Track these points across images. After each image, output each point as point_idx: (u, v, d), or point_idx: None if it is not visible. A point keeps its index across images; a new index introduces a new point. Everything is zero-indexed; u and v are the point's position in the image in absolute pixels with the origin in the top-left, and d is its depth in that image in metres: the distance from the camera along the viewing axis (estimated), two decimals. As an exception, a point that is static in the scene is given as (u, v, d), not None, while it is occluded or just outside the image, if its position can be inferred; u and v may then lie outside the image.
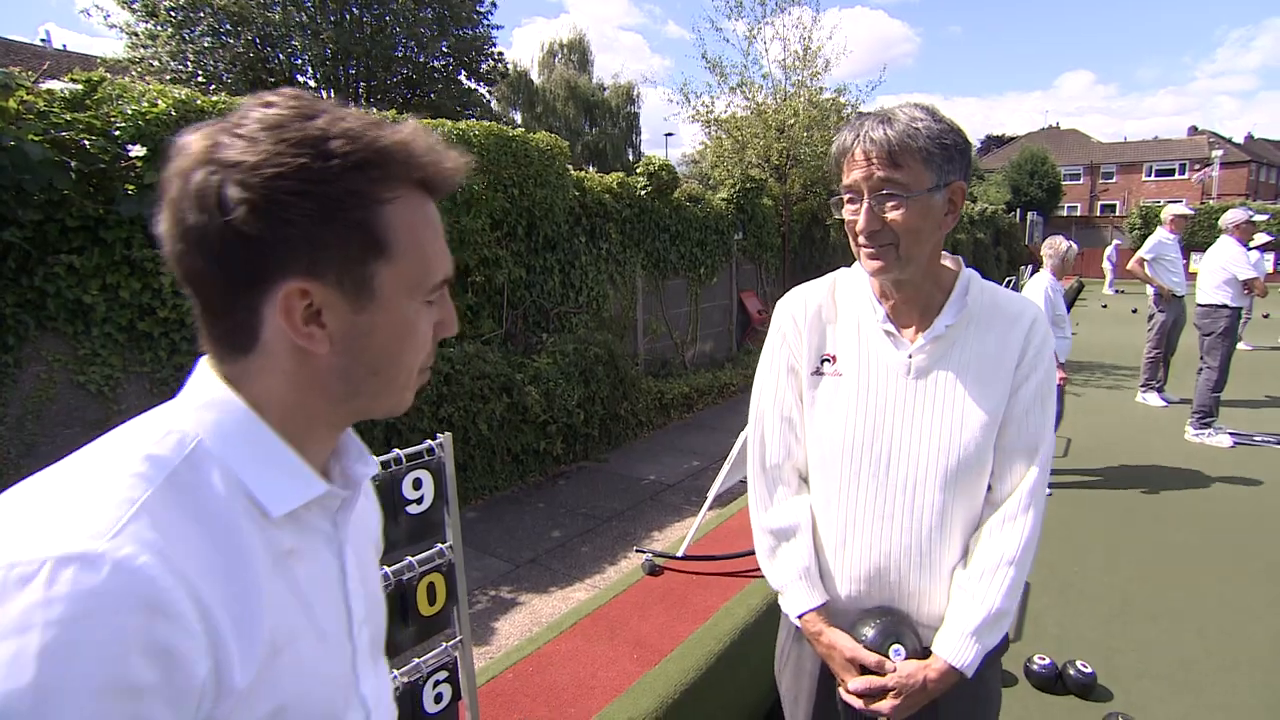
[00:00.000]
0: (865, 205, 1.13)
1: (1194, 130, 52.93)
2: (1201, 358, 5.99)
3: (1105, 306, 16.45)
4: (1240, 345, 10.02)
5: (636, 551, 3.84)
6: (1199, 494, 4.72)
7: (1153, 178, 48.45)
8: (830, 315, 1.30)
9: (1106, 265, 20.10)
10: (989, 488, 1.24)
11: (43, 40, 21.52)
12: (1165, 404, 6.96)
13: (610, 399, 5.81)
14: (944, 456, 1.18)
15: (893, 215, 1.12)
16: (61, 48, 20.92)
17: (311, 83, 17.70)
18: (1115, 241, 21.10)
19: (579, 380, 5.48)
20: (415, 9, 16.34)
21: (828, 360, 1.27)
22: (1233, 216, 6.01)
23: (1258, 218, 6.24)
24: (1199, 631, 3.14)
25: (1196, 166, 43.02)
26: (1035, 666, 2.81)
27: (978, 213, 21.46)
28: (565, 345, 5.54)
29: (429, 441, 1.99)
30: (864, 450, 1.22)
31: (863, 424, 1.22)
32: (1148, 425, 6.28)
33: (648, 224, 7.66)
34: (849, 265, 1.32)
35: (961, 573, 1.22)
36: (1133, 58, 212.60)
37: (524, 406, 5.10)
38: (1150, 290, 6.91)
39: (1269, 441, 5.83)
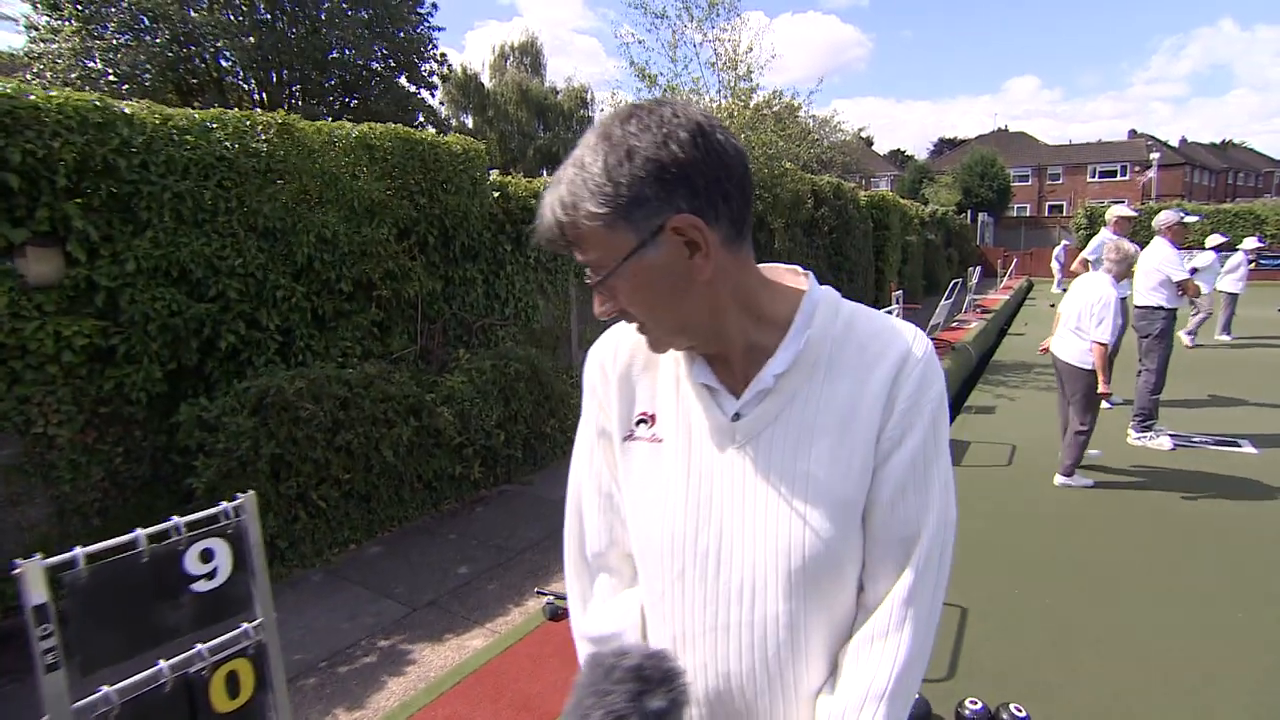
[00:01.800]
0: (594, 292, 0.87)
1: (1133, 134, 54.94)
2: (1140, 360, 5.94)
3: (1053, 306, 16.63)
4: (1184, 339, 10.14)
5: (537, 594, 3.50)
6: (1141, 503, 4.58)
7: (1096, 179, 49.98)
8: (648, 363, 0.99)
9: (1054, 265, 20.41)
10: (861, 586, 0.92)
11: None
12: (1109, 406, 6.89)
13: (534, 417, 5.46)
14: (786, 555, 0.87)
15: (606, 299, 0.86)
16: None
17: (244, 85, 16.99)
18: (1064, 241, 21.40)
19: (498, 399, 5.11)
20: (349, 10, 15.76)
21: (644, 421, 0.97)
22: (1165, 218, 5.97)
23: (1189, 219, 6.21)
24: (1138, 660, 2.95)
25: (1137, 168, 44.49)
26: (967, 712, 2.60)
27: (929, 214, 21.66)
28: (482, 362, 5.17)
29: (224, 504, 1.64)
30: (688, 543, 0.90)
31: (685, 507, 0.91)
32: (1090, 429, 6.17)
33: (581, 230, 7.32)
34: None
35: (826, 700, 0.91)
36: (1075, 64, 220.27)
37: (436, 429, 4.72)
38: (1092, 291, 6.87)
39: (1207, 443, 5.77)
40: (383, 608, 3.65)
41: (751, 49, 7.86)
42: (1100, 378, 4.59)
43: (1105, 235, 6.80)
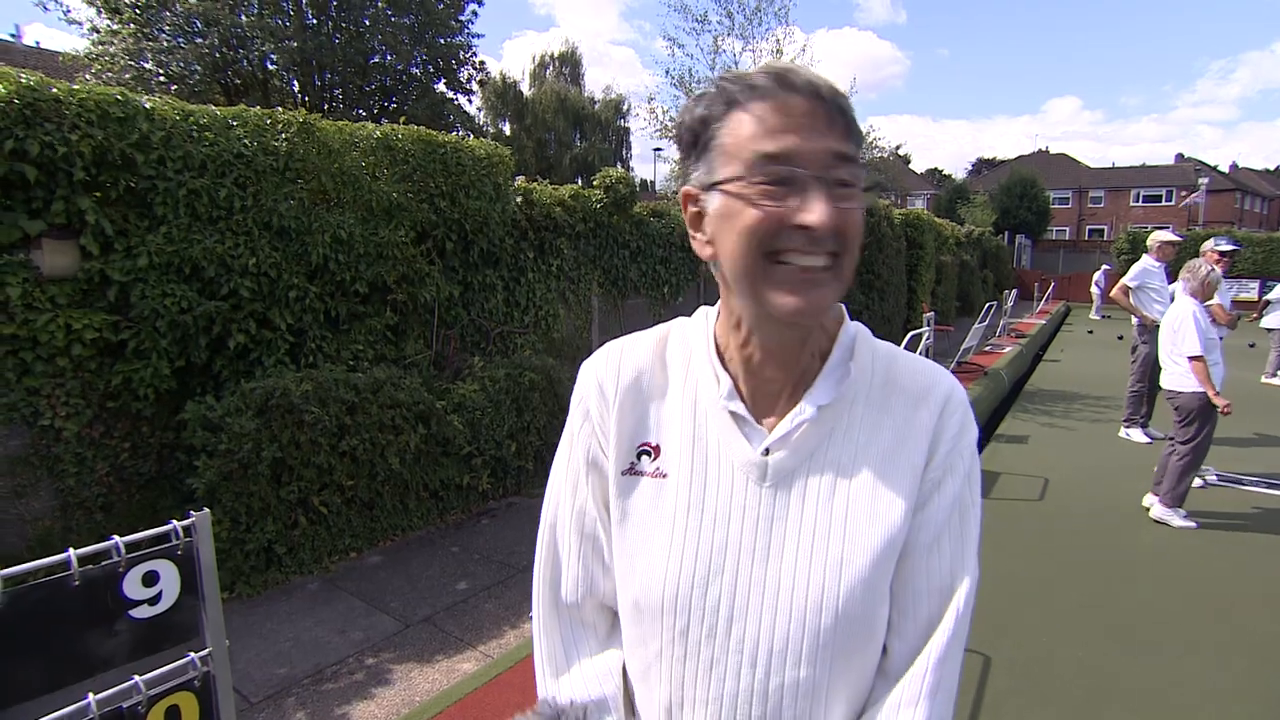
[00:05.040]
0: (823, 191, 0.68)
1: (1180, 157, 53.47)
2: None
3: (1091, 332, 16.14)
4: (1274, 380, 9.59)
5: (530, 618, 3.36)
6: (1184, 546, 4.28)
7: (1140, 203, 48.69)
8: (656, 385, 0.87)
9: (1094, 290, 19.79)
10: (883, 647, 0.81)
11: (11, 35, 21.13)
12: (1149, 440, 6.56)
13: (548, 428, 5.34)
14: (816, 612, 0.75)
15: (846, 210, 0.70)
16: (34, 44, 20.50)
17: (288, 88, 17.28)
18: (1104, 266, 20.78)
19: (511, 409, 5.00)
20: (394, 15, 15.98)
21: (646, 453, 0.85)
22: (1208, 246, 5.69)
23: (1224, 245, 5.89)
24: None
25: (1183, 193, 43.23)
26: (984, 776, 2.39)
27: (965, 234, 21.20)
28: (496, 371, 5.06)
29: (174, 523, 1.53)
30: (695, 596, 0.79)
31: (694, 555, 0.79)
32: (1130, 464, 5.86)
33: (605, 240, 7.22)
34: None
35: None
36: (1117, 85, 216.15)
37: (445, 437, 4.62)
38: (1135, 320, 6.55)
39: (1256, 485, 5.42)
40: (376, 622, 3.53)
41: (794, 61, 7.72)
42: (1209, 391, 4.35)
43: (1147, 261, 6.50)
